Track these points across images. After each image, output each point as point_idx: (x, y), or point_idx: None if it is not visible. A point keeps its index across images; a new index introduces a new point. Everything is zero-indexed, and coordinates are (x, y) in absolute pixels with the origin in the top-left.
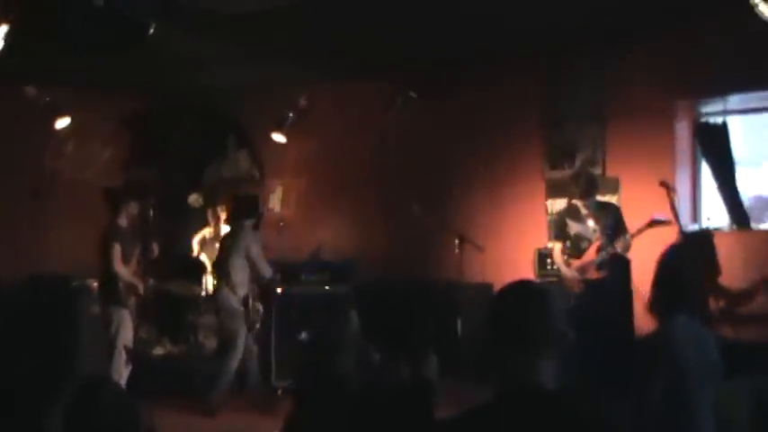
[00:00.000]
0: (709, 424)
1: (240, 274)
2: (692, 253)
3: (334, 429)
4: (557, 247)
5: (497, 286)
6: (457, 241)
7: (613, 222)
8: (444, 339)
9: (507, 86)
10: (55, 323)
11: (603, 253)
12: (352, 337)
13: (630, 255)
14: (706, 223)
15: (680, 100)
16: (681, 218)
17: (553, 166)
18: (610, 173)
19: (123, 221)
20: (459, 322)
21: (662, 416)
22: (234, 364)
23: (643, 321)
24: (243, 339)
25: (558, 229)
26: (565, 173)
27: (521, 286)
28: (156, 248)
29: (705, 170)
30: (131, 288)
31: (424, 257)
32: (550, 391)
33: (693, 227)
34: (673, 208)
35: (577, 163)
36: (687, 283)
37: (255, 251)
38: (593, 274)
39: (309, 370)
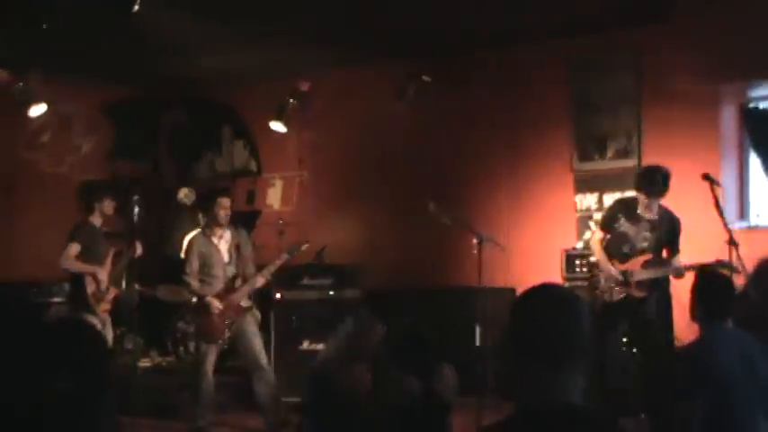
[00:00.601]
0: None
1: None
2: None
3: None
4: (597, 236)
5: (520, 291)
6: (476, 241)
7: (670, 236)
8: (461, 350)
9: (533, 70)
10: (91, 341)
11: (651, 272)
12: (372, 348)
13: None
14: (755, 221)
15: (725, 83)
16: (726, 215)
17: (583, 157)
18: (646, 164)
19: (97, 220)
20: (477, 331)
21: None
22: (198, 376)
23: (684, 331)
24: (205, 347)
25: (608, 219)
26: (596, 164)
27: (546, 291)
28: (139, 247)
29: (754, 161)
30: (100, 291)
31: (439, 259)
32: (579, 408)
33: (740, 224)
34: (717, 204)
35: (609, 153)
36: (729, 287)
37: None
38: (632, 290)
39: (321, 383)
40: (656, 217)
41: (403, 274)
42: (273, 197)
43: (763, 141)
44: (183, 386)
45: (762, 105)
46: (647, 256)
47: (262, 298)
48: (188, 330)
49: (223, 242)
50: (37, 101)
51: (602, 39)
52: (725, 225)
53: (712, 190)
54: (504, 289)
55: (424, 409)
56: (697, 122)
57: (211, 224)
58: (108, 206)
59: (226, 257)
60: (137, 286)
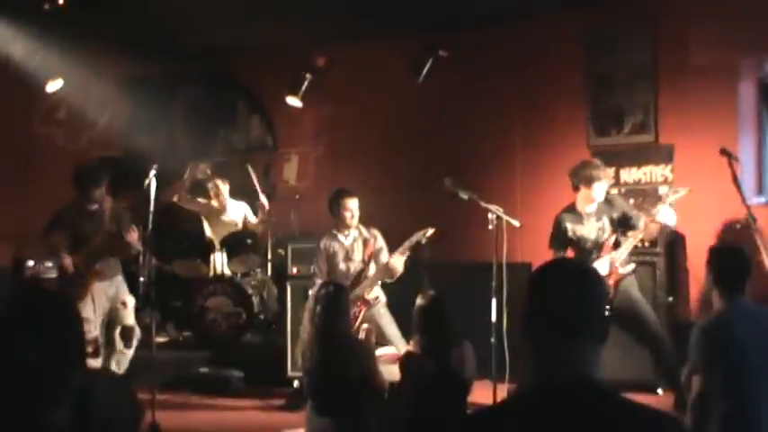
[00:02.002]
0: None
1: None
2: None
3: (360, 423)
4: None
5: (536, 266)
6: (491, 216)
7: (618, 213)
8: (476, 325)
9: (549, 44)
10: (57, 312)
11: (625, 247)
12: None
13: (686, 229)
14: None
15: (743, 57)
16: (744, 190)
17: (600, 133)
18: (663, 140)
19: (89, 204)
20: (493, 306)
21: (719, 411)
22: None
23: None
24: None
25: (558, 234)
26: (613, 139)
27: (563, 263)
28: (133, 234)
29: None
30: (67, 273)
31: (455, 235)
32: (598, 383)
33: (758, 199)
34: (735, 179)
35: (626, 128)
36: (744, 260)
37: None
38: (616, 276)
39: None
40: (595, 206)
41: (418, 250)
42: (289, 172)
43: None
44: (201, 359)
45: None
46: (611, 237)
47: (279, 273)
48: (204, 305)
49: (350, 239)
50: (53, 76)
51: (618, 11)
52: (743, 200)
53: (730, 165)
54: (520, 264)
55: (439, 386)
56: (715, 96)
57: (339, 225)
58: (100, 194)
59: (350, 253)
60: (153, 261)
